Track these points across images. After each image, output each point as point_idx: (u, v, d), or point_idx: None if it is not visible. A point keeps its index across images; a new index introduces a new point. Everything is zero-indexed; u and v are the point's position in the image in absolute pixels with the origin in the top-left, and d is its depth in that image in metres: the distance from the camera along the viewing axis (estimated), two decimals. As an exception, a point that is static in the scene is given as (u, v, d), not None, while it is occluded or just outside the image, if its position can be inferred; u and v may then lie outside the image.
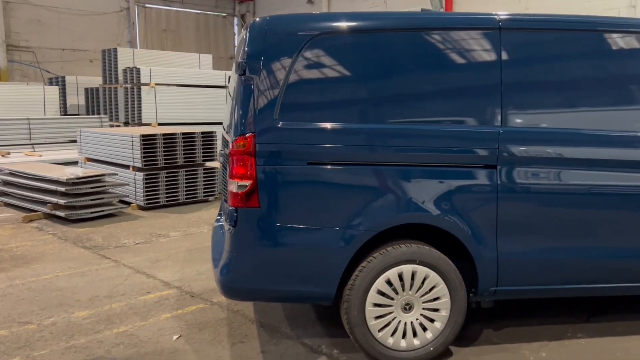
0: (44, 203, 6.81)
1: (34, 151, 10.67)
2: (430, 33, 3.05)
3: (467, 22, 3.11)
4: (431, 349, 3.05)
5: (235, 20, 23.96)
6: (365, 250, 2.97)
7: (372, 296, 2.95)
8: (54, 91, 14.14)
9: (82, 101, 15.38)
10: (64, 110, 15.39)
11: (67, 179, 6.50)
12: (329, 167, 2.87)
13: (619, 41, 3.18)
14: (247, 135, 2.81)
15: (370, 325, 2.98)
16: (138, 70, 10.00)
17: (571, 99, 3.13)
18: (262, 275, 2.92)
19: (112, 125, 12.81)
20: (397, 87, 2.99)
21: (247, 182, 2.80)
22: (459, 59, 3.05)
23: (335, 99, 2.93)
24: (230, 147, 2.86)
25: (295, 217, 2.87)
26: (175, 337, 3.44)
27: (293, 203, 2.87)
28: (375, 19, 3.04)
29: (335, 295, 2.98)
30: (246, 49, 2.88)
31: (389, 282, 2.97)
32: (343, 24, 2.96)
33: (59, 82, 15.51)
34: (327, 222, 2.88)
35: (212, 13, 23.23)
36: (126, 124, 13.33)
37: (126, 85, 13.70)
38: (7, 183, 7.55)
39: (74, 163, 9.01)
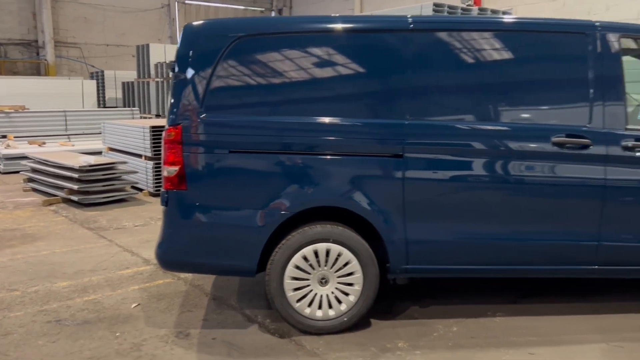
0: (62, 188, 7.48)
1: (69, 141, 11.50)
2: (348, 34, 3.37)
3: (381, 23, 3.41)
4: (345, 319, 3.39)
5: (273, 14, 24.44)
6: (287, 229, 3.34)
7: (290, 270, 3.32)
8: (92, 85, 15.05)
9: (119, 94, 16.26)
10: (103, 103, 16.31)
11: (80, 167, 7.13)
12: (249, 155, 3.25)
13: (519, 40, 3.42)
14: (177, 126, 3.22)
15: (288, 296, 3.34)
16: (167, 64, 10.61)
17: (474, 95, 3.39)
18: (191, 250, 3.34)
19: (142, 117, 13.57)
20: (312, 84, 3.33)
21: (176, 168, 3.21)
22: (373, 58, 3.36)
23: (254, 94, 3.31)
24: (163, 136, 3.28)
25: (219, 198, 3.27)
26: (133, 305, 3.92)
27: (217, 186, 3.27)
28: (292, 22, 3.39)
29: (257, 269, 3.36)
30: (178, 48, 3.30)
31: (305, 258, 3.32)
32: (262, 28, 3.33)
33: (99, 76, 16.44)
34: (248, 203, 3.27)
35: (250, 8, 23.82)
36: (157, 116, 14.09)
37: (157, 79, 14.44)
38: (35, 170, 8.28)
39: (99, 153, 9.72)
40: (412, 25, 3.36)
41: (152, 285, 4.34)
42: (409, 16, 3.40)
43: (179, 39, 3.34)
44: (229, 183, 3.26)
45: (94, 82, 15.36)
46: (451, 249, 3.41)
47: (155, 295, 4.13)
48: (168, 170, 3.24)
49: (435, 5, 10.39)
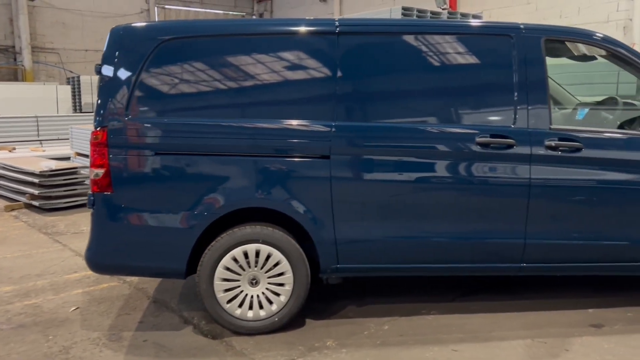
0: (24, 194, 7.45)
1: (41, 147, 11.44)
2: (275, 36, 3.42)
3: (308, 26, 3.46)
4: (276, 319, 3.42)
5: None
6: (217, 231, 3.37)
7: (220, 272, 3.35)
8: (66, 90, 14.98)
9: (96, 99, 16.14)
10: (79, 108, 16.22)
11: (40, 172, 7.11)
12: (175, 156, 3.28)
13: (446, 43, 3.48)
14: (102, 128, 3.24)
15: (219, 297, 3.37)
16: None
17: (400, 97, 3.46)
18: (120, 252, 3.36)
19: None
20: (238, 87, 3.37)
21: (102, 170, 3.24)
22: (299, 61, 3.41)
23: (180, 97, 3.34)
24: (90, 139, 3.30)
25: (146, 201, 3.30)
26: (72, 309, 3.92)
27: (144, 189, 3.29)
28: (219, 25, 3.44)
29: (188, 271, 3.39)
30: (104, 50, 3.33)
31: (235, 260, 3.35)
32: (188, 31, 3.37)
33: (75, 81, 16.36)
34: (174, 206, 3.30)
35: (231, 13, 23.85)
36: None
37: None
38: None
39: (68, 158, 9.68)
40: (338, 28, 3.40)
41: (96, 288, 4.35)
42: (336, 19, 3.45)
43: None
44: (156, 185, 3.29)
45: (68, 87, 15.28)
46: (380, 248, 3.45)
47: (97, 298, 4.14)
48: (95, 173, 3.26)
49: (404, 9, 10.48)
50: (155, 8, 22.20)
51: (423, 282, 4.28)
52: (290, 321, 3.47)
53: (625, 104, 4.01)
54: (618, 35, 13.99)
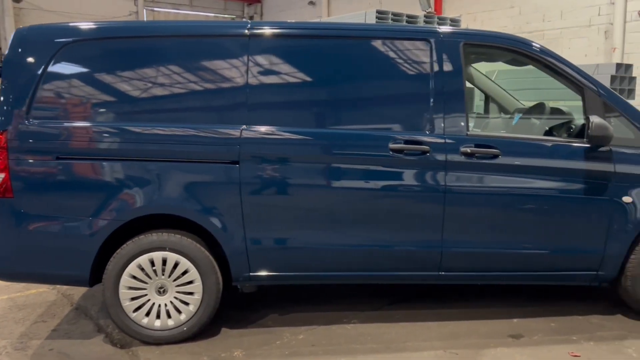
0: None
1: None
2: (185, 39, 3.36)
3: (217, 29, 3.40)
4: (185, 329, 3.34)
5: (243, 21, 24.38)
6: (124, 238, 3.29)
7: (126, 280, 3.27)
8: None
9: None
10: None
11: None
12: (76, 161, 3.21)
13: (361, 47, 3.41)
14: (2, 132, 3.17)
15: (124, 306, 3.29)
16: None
17: (311, 102, 3.39)
18: (22, 259, 3.28)
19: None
20: (144, 90, 3.30)
21: (2, 175, 3.16)
22: (211, 64, 3.34)
23: (82, 101, 3.27)
24: None
25: (47, 206, 3.22)
26: (-12, 316, 3.85)
27: (44, 194, 3.22)
28: (125, 27, 3.38)
29: (91, 279, 3.31)
30: (6, 52, 3.26)
31: (141, 268, 3.28)
32: (91, 33, 3.30)
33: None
34: (77, 212, 3.22)
35: (220, 15, 23.80)
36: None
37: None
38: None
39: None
40: (248, 31, 3.34)
41: (22, 295, 4.28)
42: (248, 21, 3.39)
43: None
44: (57, 190, 3.22)
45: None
46: (293, 256, 3.38)
47: (19, 305, 4.06)
48: (-5, 179, 3.19)
49: (379, 12, 10.41)
50: (144, 10, 22.15)
51: (354, 289, 4.21)
52: (200, 331, 3.40)
53: (553, 110, 3.93)
54: (599, 40, 13.94)
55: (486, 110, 5.00)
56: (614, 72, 9.86)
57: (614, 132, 3.36)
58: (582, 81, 3.51)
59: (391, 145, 3.32)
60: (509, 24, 15.91)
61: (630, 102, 11.99)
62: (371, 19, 10.25)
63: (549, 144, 3.50)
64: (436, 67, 3.40)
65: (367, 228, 3.37)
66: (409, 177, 3.36)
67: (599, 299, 3.98)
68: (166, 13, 22.55)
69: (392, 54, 3.45)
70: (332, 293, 4.17)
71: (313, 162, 3.30)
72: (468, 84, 3.99)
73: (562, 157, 3.45)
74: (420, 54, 3.43)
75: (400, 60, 3.46)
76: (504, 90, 4.95)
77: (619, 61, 13.37)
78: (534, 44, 3.52)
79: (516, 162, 3.41)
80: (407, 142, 3.34)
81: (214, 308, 3.37)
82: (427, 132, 3.37)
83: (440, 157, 3.35)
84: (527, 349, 3.30)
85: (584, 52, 14.32)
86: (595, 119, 3.32)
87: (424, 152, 3.34)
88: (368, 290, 4.19)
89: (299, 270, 3.43)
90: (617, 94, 3.59)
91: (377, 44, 3.44)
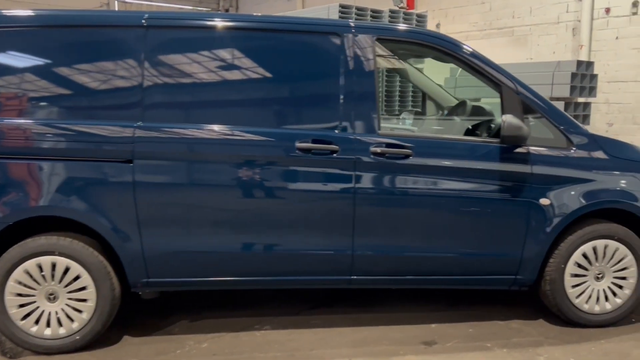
0: None
1: None
2: (81, 30, 3.16)
3: (113, 19, 3.20)
4: (77, 337, 3.15)
5: (218, 14, 24.05)
6: (9, 241, 3.09)
7: (11, 286, 3.07)
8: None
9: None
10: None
11: None
12: (-45, 161, 3.00)
13: (267, 40, 3.25)
14: None
15: (10, 313, 3.09)
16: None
17: (213, 98, 3.21)
18: None
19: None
20: (34, 82, 3.09)
21: None
22: (105, 56, 3.15)
23: None
24: None
25: None
26: None
27: None
28: (40, 15, 3.15)
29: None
30: None
31: (28, 273, 3.08)
32: (20, 20, 3.09)
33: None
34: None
35: (197, 8, 23.44)
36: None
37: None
38: None
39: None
40: (146, 22, 3.14)
41: None
42: (146, 12, 3.19)
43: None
44: None
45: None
46: (191, 260, 3.21)
47: None
48: None
49: (342, 6, 10.21)
50: (116, 3, 21.73)
51: (279, 292, 4.04)
52: (95, 339, 3.21)
53: (475, 109, 3.80)
54: (567, 37, 13.90)
55: (423, 108, 4.87)
56: (574, 70, 9.78)
57: (529, 132, 3.23)
58: (500, 79, 3.37)
59: (298, 145, 3.15)
60: (480, 20, 15.82)
61: (591, 99, 11.96)
62: (334, 14, 10.06)
63: (465, 144, 3.36)
64: (347, 63, 3.24)
65: (273, 231, 3.21)
66: (317, 178, 3.20)
67: (525, 303, 3.86)
68: (139, 5, 22.15)
69: (301, 49, 3.28)
70: (256, 296, 4.00)
71: (214, 162, 3.13)
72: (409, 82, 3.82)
73: (478, 157, 3.31)
74: (331, 49, 3.26)
75: (309, 55, 3.29)
76: (441, 87, 4.82)
77: (587, 58, 13.37)
78: (448, 39, 3.38)
79: (429, 163, 3.27)
80: (315, 141, 3.18)
81: (110, 315, 3.19)
82: (337, 131, 3.21)
83: (350, 157, 3.19)
84: (437, 356, 3.17)
85: (552, 49, 14.29)
86: (507, 118, 3.18)
87: (333, 152, 3.18)
88: (292, 293, 4.02)
89: (200, 276, 3.26)
90: (538, 93, 3.44)
91: (285, 37, 3.27)
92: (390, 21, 11.61)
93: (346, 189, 3.21)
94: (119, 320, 3.38)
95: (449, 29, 16.42)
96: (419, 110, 4.99)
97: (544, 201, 3.33)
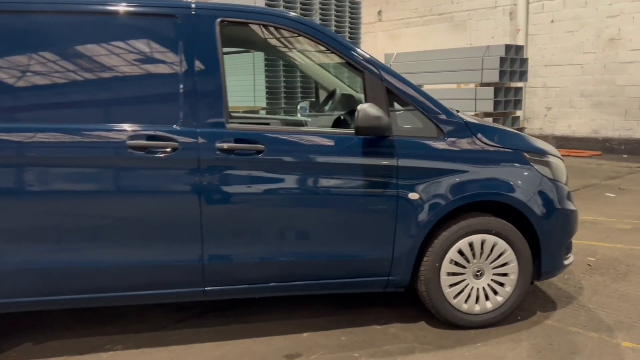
0: None
1: None
2: None
3: None
4: None
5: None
6: None
7: None
8: None
9: None
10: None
11: None
12: None
13: (90, 24, 2.88)
14: None
15: None
16: None
17: (30, 90, 2.82)
18: None
19: None
20: None
21: None
22: None
23: None
24: None
25: None
26: None
27: None
28: None
29: None
30: None
31: None
32: None
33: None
34: None
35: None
36: None
37: None
38: None
39: None
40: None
41: None
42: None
43: None
44: None
45: None
46: (12, 277, 2.81)
47: None
48: None
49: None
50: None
51: (149, 304, 3.68)
52: None
53: (344, 97, 3.50)
54: (505, 21, 13.83)
55: (317, 99, 4.56)
56: (503, 54, 9.65)
57: (389, 123, 2.95)
58: (363, 64, 3.08)
59: (130, 142, 2.80)
60: (420, 7, 15.65)
61: (522, 84, 11.93)
62: (260, 1, 9.69)
63: (325, 137, 3.06)
64: (186, 48, 2.90)
65: (106, 242, 2.86)
66: (156, 180, 2.86)
67: (412, 304, 3.61)
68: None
69: (132, 33, 2.91)
70: (123, 309, 3.63)
71: (25, 165, 2.73)
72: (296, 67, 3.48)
73: (339, 151, 3.02)
74: (168, 33, 2.91)
75: (143, 41, 2.92)
76: (335, 76, 4.51)
77: (524, 42, 13.33)
78: (302, 20, 3.06)
79: (284, 159, 2.96)
80: (150, 137, 2.83)
81: None
82: (177, 126, 2.87)
83: (192, 154, 2.86)
84: (293, 372, 2.88)
85: (491, 34, 14.22)
86: (363, 108, 2.90)
87: (172, 149, 2.84)
88: (165, 304, 3.67)
89: (24, 295, 2.86)
90: (407, 80, 3.17)
91: (113, 21, 2.89)
92: (321, 8, 11.34)
93: (190, 192, 2.88)
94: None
95: (391, 16, 16.23)
96: (314, 101, 4.66)
97: (412, 196, 3.07)
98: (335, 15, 13.79)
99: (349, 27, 14.34)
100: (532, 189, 3.22)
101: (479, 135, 3.22)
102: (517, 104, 10.46)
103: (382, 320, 3.45)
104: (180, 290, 3.02)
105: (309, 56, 4.17)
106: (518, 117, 10.83)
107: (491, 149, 3.22)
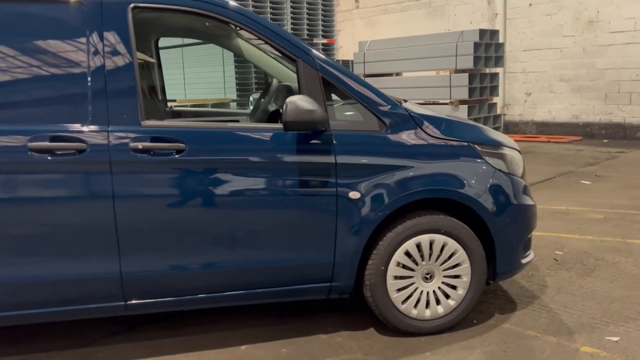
0: None
1: None
2: None
3: None
4: None
5: None
6: None
7: None
8: None
9: None
10: None
11: None
12: None
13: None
14: None
15: None
16: None
17: None
18: None
19: None
20: None
21: None
22: None
23: None
24: None
25: None
26: None
27: None
28: None
29: None
30: None
31: None
32: None
33: None
34: None
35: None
36: None
37: None
38: None
39: None
40: None
41: None
42: None
43: None
44: None
45: None
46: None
47: None
48: None
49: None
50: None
51: (77, 321, 3.39)
52: None
53: (282, 89, 3.23)
54: (483, 6, 13.56)
55: (266, 89, 4.26)
56: (477, 39, 9.39)
57: (323, 117, 2.68)
58: (296, 53, 2.81)
59: (31, 144, 2.51)
60: (394, -9, 15.35)
61: (499, 69, 11.66)
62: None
63: (257, 133, 2.79)
64: (94, 39, 2.62)
65: (12, 256, 2.58)
66: (63, 186, 2.58)
67: (364, 310, 3.35)
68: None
69: (33, 23, 2.61)
70: (43, 325, 3.35)
71: None
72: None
73: (271, 148, 2.76)
74: (73, 23, 2.62)
75: (46, 31, 2.62)
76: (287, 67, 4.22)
77: (502, 27, 13.08)
78: (224, 4, 2.77)
79: (208, 158, 2.69)
80: (54, 138, 2.54)
81: None
82: (85, 125, 2.58)
83: (103, 156, 2.58)
84: (222, 393, 2.63)
85: (469, 19, 13.95)
86: (292, 100, 2.62)
87: (80, 151, 2.56)
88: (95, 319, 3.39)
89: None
90: (345, 69, 2.90)
91: (9, 8, 2.59)
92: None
93: (103, 198, 2.60)
94: None
95: (368, 3, 15.90)
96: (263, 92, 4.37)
97: (353, 195, 2.82)
98: (307, 2, 13.49)
99: (322, 15, 14.03)
100: (484, 184, 2.97)
101: (425, 128, 2.96)
102: (494, 90, 10.22)
103: (329, 328, 3.20)
104: (99, 305, 2.75)
105: (254, 45, 3.88)
106: (495, 103, 10.59)
107: (439, 142, 2.97)
